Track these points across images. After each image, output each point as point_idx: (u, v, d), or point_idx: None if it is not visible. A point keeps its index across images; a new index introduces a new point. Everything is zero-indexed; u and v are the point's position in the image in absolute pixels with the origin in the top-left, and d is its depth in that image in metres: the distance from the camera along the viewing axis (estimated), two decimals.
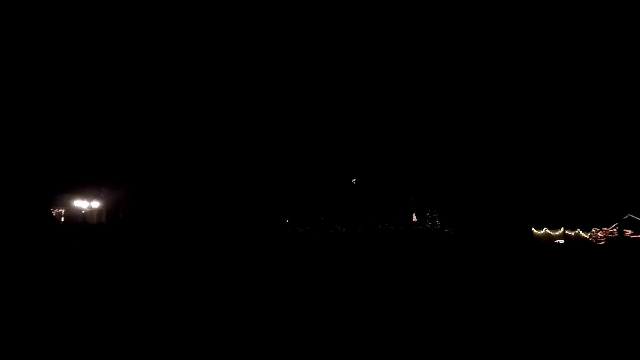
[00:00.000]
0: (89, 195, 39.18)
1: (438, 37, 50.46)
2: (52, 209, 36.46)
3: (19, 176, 33.35)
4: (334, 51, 51.75)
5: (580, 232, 45.40)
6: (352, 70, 52.86)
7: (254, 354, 6.63)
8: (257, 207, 47.71)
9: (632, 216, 44.23)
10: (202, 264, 20.37)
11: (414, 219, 49.11)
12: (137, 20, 45.11)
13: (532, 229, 46.55)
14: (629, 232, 43.72)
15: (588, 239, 44.73)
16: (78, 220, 37.35)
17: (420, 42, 50.80)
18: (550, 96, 52.35)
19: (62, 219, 38.00)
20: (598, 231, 44.70)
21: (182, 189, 46.39)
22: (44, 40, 40.71)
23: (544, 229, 46.22)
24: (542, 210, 47.32)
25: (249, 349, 6.83)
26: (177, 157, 47.20)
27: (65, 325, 8.18)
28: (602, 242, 43.43)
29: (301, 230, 49.04)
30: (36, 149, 37.31)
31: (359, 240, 41.23)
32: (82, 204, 38.65)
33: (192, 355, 6.51)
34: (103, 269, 17.82)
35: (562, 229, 45.91)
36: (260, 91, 52.49)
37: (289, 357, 6.50)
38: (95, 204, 39.69)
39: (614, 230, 44.11)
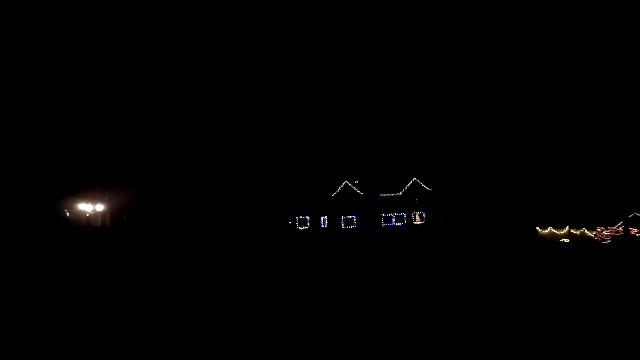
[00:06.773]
0: (93, 198, 39.22)
1: (438, 37, 50.38)
2: (65, 211, 36.50)
3: (25, 179, 33.51)
4: (333, 51, 51.75)
5: (586, 231, 45.02)
6: (352, 71, 52.86)
7: (256, 352, 6.62)
8: (262, 210, 47.71)
9: (638, 214, 43.90)
10: (206, 267, 20.38)
11: (417, 219, 48.98)
12: (140, 23, 45.29)
13: (537, 228, 46.20)
14: (635, 230, 43.38)
15: (593, 237, 44.35)
16: (82, 224, 37.42)
17: (420, 42, 50.73)
18: (557, 95, 52.16)
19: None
20: (604, 230, 44.32)
21: (187, 192, 46.49)
22: (49, 45, 40.92)
23: (548, 228, 45.85)
24: (547, 209, 46.93)
25: (250, 348, 6.81)
26: (182, 161, 47.31)
27: (71, 326, 8.19)
28: (608, 241, 43.11)
29: (303, 230, 49.08)
30: (41, 152, 37.48)
31: (362, 240, 41.16)
32: (87, 207, 38.66)
33: (195, 355, 6.51)
34: (108, 271, 17.86)
35: (567, 228, 45.53)
36: (262, 94, 52.58)
37: (289, 355, 6.48)
38: (100, 207, 39.71)
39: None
